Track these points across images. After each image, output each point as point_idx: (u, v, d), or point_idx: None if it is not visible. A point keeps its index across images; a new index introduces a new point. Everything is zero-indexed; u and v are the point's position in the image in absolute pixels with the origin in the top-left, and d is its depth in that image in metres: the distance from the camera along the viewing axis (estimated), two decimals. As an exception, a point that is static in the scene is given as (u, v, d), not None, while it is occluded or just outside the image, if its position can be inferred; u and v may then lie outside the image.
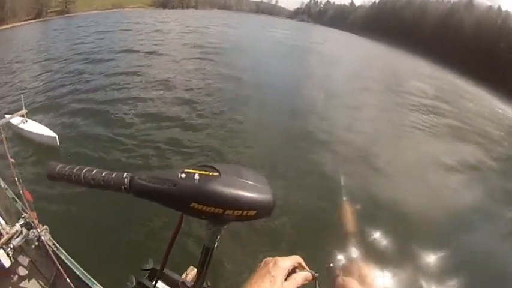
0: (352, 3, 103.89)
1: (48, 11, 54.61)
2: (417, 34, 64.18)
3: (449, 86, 34.34)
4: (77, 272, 4.27)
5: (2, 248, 4.05)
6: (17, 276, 4.32)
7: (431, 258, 7.84)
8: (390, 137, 15.37)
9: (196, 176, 0.75)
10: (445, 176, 12.52)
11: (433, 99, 25.10)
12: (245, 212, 0.75)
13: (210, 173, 0.77)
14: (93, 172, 0.80)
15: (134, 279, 1.37)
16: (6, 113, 10.85)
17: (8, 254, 4.06)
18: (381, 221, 8.87)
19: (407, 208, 9.38)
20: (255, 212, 0.76)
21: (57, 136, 10.07)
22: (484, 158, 15.76)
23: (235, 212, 0.74)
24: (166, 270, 1.26)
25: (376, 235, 8.34)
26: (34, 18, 49.65)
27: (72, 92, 16.06)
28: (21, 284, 4.29)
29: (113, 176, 0.79)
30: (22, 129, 10.39)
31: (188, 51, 27.97)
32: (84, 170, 0.80)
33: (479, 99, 32.36)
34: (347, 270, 0.76)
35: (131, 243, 6.73)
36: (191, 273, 2.45)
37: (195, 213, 0.75)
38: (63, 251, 4.48)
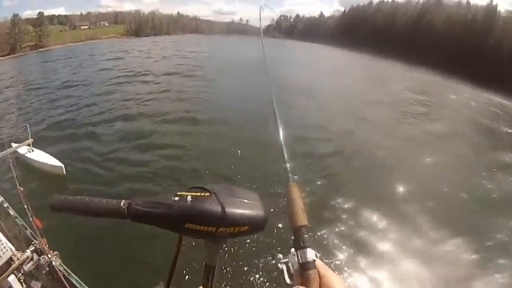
0: (321, 15, 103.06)
1: (23, 46, 52.80)
2: (390, 38, 63.16)
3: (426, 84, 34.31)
4: None
5: (13, 273, 3.85)
6: None
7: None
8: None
9: (189, 198, 0.76)
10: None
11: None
12: (237, 228, 0.75)
13: (202, 194, 0.78)
14: (94, 201, 0.80)
15: None
16: (12, 141, 10.58)
17: (19, 280, 3.86)
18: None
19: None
20: (247, 227, 0.76)
21: (63, 166, 9.79)
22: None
23: (228, 229, 0.75)
24: None
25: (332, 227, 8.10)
26: (8, 54, 47.86)
27: (75, 121, 15.82)
28: None
29: (112, 203, 0.80)
30: (29, 158, 10.12)
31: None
32: (86, 200, 0.80)
33: (461, 92, 32.36)
34: (304, 278, 0.67)
35: (143, 267, 6.49)
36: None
37: (190, 233, 0.77)
38: (74, 276, 4.30)
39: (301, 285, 0.66)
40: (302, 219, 0.71)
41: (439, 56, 49.64)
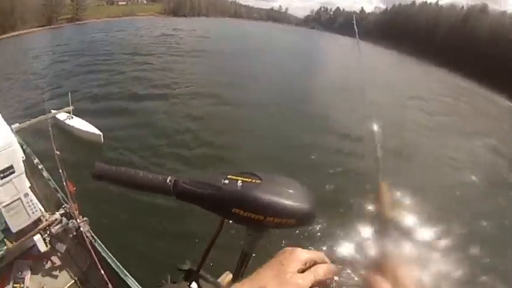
0: (362, 11, 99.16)
1: (59, 18, 51.73)
2: (431, 41, 60.00)
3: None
4: (112, 264, 4.09)
5: (39, 233, 3.90)
6: (50, 262, 4.14)
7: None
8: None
9: (239, 183, 0.73)
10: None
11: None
12: (285, 220, 0.71)
13: (253, 180, 0.74)
14: (139, 175, 0.77)
15: (169, 277, 1.27)
16: (53, 109, 10.77)
17: (44, 240, 3.93)
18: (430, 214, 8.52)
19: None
20: (294, 220, 0.72)
21: (102, 134, 9.95)
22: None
23: (275, 220, 0.71)
24: (202, 273, 1.16)
25: (421, 229, 7.84)
26: (44, 26, 46.80)
27: (116, 93, 15.93)
28: (54, 272, 4.10)
29: (158, 178, 0.77)
30: (68, 124, 10.37)
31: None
32: (130, 172, 0.77)
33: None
34: (379, 267, 0.62)
35: (170, 243, 6.42)
36: (226, 278, 2.14)
37: (236, 219, 0.73)
38: (100, 243, 4.30)
39: (378, 274, 0.63)
40: (389, 212, 0.71)
41: (480, 64, 46.42)
